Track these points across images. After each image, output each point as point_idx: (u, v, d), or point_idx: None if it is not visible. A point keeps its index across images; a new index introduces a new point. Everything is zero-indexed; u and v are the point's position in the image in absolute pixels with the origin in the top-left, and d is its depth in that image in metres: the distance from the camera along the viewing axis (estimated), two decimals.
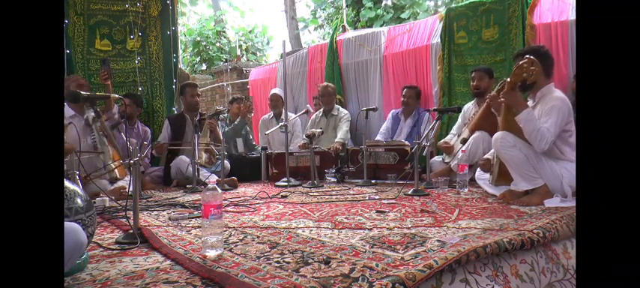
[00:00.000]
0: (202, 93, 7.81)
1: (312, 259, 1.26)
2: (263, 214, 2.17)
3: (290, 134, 4.61)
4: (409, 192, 2.78)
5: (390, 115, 4.53)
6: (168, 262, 1.35)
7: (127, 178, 3.17)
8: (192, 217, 2.11)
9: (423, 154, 3.24)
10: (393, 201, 2.49)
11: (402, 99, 4.31)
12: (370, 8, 10.05)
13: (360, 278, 1.06)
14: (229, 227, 1.85)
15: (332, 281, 1.05)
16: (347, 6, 9.83)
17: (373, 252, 1.32)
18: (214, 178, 1.54)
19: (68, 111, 3.16)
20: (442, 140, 3.78)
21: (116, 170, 3.17)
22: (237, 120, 4.56)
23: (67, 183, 1.35)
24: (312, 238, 1.56)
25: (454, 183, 3.08)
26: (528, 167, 2.27)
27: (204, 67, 11.24)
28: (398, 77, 4.67)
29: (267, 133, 4.33)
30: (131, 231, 1.65)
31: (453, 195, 2.68)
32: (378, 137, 4.41)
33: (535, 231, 1.51)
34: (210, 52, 11.15)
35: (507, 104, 2.36)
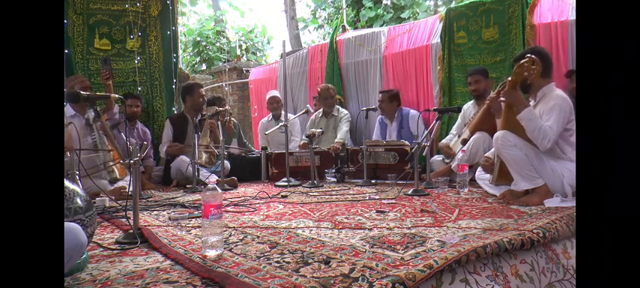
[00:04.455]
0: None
1: (312, 259, 1.26)
2: (263, 214, 2.17)
3: (289, 135, 4.60)
4: (409, 192, 2.78)
5: (377, 122, 4.57)
6: (169, 262, 1.35)
7: (127, 178, 3.17)
8: (192, 217, 2.11)
9: (423, 154, 3.24)
10: (393, 201, 2.49)
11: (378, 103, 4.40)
12: (370, 8, 10.05)
13: (360, 278, 1.06)
14: (229, 227, 1.85)
15: (332, 281, 1.05)
16: (347, 6, 9.84)
17: (373, 252, 1.32)
18: (214, 178, 1.54)
19: (69, 111, 3.16)
20: (443, 142, 3.78)
21: (116, 170, 3.18)
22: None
23: (66, 183, 1.35)
24: (312, 238, 1.56)
25: (454, 183, 3.08)
26: (529, 167, 2.27)
27: (204, 67, 11.24)
28: (398, 77, 4.68)
29: (266, 133, 4.32)
30: (131, 231, 1.65)
31: (453, 195, 2.68)
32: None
33: (535, 231, 1.51)
34: (210, 52, 11.14)
35: (508, 104, 2.36)
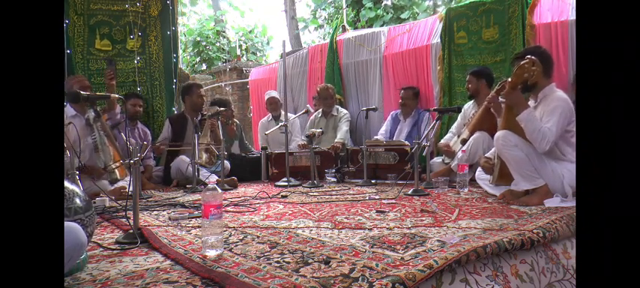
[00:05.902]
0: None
1: (312, 259, 1.26)
2: (263, 214, 2.17)
3: (289, 135, 4.61)
4: (409, 192, 2.78)
5: (389, 116, 4.55)
6: (169, 262, 1.35)
7: (127, 178, 3.17)
8: (192, 217, 2.11)
9: (423, 154, 3.24)
10: (393, 201, 2.49)
11: (400, 100, 4.33)
12: (370, 8, 10.05)
13: (360, 278, 1.06)
14: (229, 227, 1.85)
15: (332, 281, 1.05)
16: (347, 6, 9.84)
17: (373, 252, 1.32)
18: (214, 178, 1.54)
19: (70, 111, 3.16)
20: (442, 141, 3.78)
21: (116, 170, 3.17)
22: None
23: (66, 183, 1.35)
24: (312, 238, 1.56)
25: (454, 183, 3.08)
26: (529, 167, 2.27)
27: (204, 67, 11.24)
28: (398, 77, 4.68)
29: (266, 133, 4.32)
30: (131, 231, 1.65)
31: (453, 195, 2.68)
32: (377, 138, 4.41)
33: (535, 231, 1.51)
34: (210, 52, 11.14)
35: (508, 104, 2.36)
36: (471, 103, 3.72)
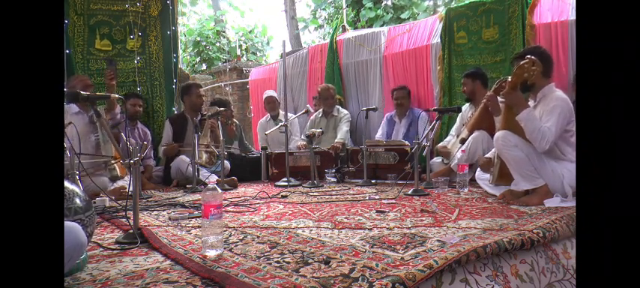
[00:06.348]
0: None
1: (312, 259, 1.26)
2: (263, 214, 2.17)
3: (289, 134, 4.61)
4: (409, 192, 2.78)
5: (384, 118, 4.55)
6: (169, 262, 1.35)
7: (127, 178, 3.17)
8: (192, 217, 2.11)
9: (423, 154, 3.24)
10: (393, 201, 2.49)
11: (395, 101, 4.34)
12: (370, 8, 10.05)
13: (360, 278, 1.06)
14: (229, 227, 1.85)
15: (332, 281, 1.05)
16: (347, 6, 9.84)
17: (373, 252, 1.32)
18: (214, 178, 1.54)
19: (73, 108, 3.16)
20: (440, 144, 3.78)
21: (117, 168, 3.18)
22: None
23: (66, 183, 1.35)
24: (312, 238, 1.56)
25: (454, 183, 3.08)
26: (529, 167, 2.27)
27: (204, 67, 11.24)
28: (398, 77, 4.67)
29: (266, 133, 4.32)
30: (131, 231, 1.65)
31: (453, 195, 2.68)
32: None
33: (535, 231, 1.51)
34: (210, 52, 11.14)
35: (508, 104, 2.36)
36: (467, 105, 3.72)
